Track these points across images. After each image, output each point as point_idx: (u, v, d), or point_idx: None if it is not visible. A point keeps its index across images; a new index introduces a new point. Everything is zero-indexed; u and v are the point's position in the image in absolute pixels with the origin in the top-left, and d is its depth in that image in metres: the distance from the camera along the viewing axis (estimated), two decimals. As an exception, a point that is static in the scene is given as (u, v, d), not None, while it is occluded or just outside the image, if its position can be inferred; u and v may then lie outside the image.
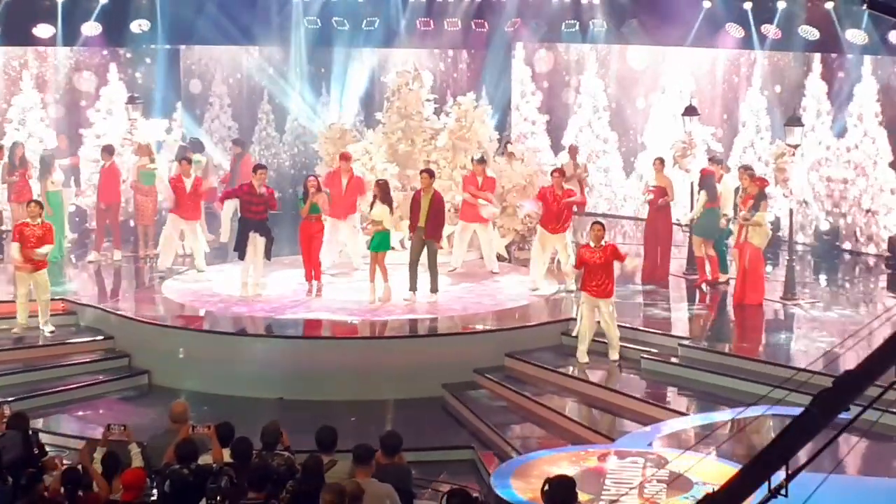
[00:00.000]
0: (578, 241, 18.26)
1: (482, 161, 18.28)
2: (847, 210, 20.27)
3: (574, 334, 14.97)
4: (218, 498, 8.48)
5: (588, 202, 20.84)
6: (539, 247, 17.28)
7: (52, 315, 16.16)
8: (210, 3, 22.36)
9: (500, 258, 18.70)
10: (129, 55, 22.79)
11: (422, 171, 17.13)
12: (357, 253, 18.22)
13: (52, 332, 15.98)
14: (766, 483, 5.45)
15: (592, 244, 14.59)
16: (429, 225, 16.44)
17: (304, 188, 16.90)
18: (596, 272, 14.48)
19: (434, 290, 16.64)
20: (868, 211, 19.96)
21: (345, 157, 18.13)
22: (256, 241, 16.58)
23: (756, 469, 5.52)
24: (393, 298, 16.61)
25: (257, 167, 17.07)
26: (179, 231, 18.50)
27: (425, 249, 16.59)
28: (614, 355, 14.82)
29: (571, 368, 14.84)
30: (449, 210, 18.09)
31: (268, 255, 16.75)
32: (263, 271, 17.04)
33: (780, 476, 5.54)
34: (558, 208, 16.97)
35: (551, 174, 17.56)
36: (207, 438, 9.67)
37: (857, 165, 20.05)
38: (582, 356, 14.77)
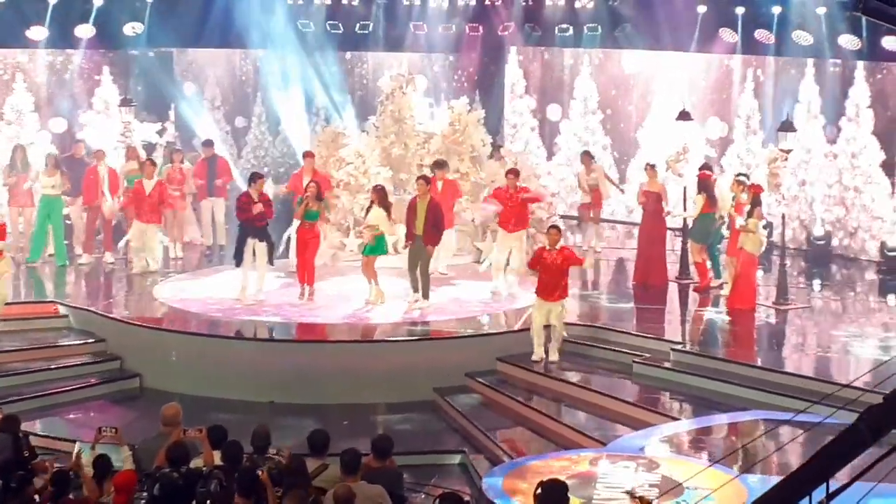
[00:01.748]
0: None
1: (441, 165, 18.22)
2: (842, 215, 20.29)
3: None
4: (208, 502, 8.46)
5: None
6: (499, 247, 17.37)
7: (44, 318, 16.12)
8: (203, 6, 22.32)
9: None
10: (121, 58, 22.77)
11: (418, 178, 17.13)
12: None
13: None
14: (808, 499, 5.29)
15: (548, 247, 14.67)
16: (427, 232, 16.42)
17: (304, 193, 16.90)
18: (552, 275, 14.55)
19: (426, 296, 16.63)
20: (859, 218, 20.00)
21: (309, 155, 18.31)
22: (257, 248, 16.56)
23: (795, 484, 5.36)
24: (384, 301, 16.62)
25: (255, 176, 16.98)
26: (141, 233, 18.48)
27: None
28: (554, 356, 14.93)
29: (564, 373, 14.85)
30: None
31: (270, 260, 16.72)
32: (250, 276, 16.97)
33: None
34: (516, 207, 17.02)
35: (506, 174, 17.55)
36: (199, 442, 9.65)
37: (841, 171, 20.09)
38: (538, 353, 14.95)
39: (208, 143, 21.22)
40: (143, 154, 20.22)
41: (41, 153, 20.32)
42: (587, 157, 20.80)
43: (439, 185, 17.79)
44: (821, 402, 9.81)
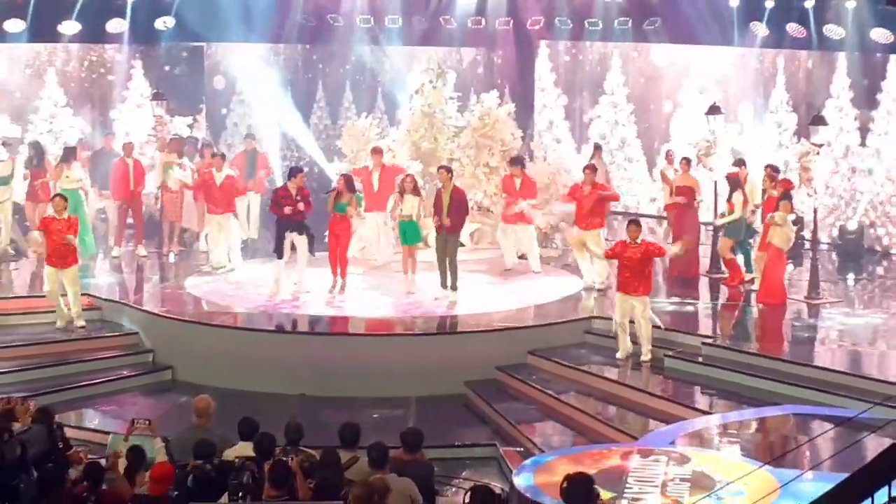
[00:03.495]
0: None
1: (517, 162, 18.21)
2: (874, 210, 20.19)
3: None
4: (240, 494, 8.51)
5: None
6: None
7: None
8: (233, 1, 22.39)
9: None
10: (153, 52, 22.89)
11: (439, 168, 17.19)
12: (383, 250, 18.28)
13: (82, 326, 16.07)
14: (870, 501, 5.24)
15: (629, 241, 14.62)
16: (450, 220, 16.46)
17: (334, 186, 16.95)
18: (634, 269, 14.47)
19: (454, 287, 16.66)
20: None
21: (376, 151, 18.15)
22: (297, 241, 16.64)
23: (857, 486, 5.32)
24: (419, 294, 16.69)
25: (294, 170, 17.06)
26: (216, 225, 18.49)
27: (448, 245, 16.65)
28: (647, 355, 14.81)
29: (594, 366, 14.84)
30: (472, 207, 18.10)
31: (311, 251, 16.80)
32: (287, 270, 17.06)
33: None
34: (591, 204, 17.00)
35: (583, 170, 17.65)
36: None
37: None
38: (624, 350, 14.90)
39: (250, 136, 21.35)
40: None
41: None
42: (596, 149, 20.93)
43: (517, 181, 17.84)
44: (883, 404, 9.74)
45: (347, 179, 17.01)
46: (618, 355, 14.87)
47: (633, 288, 14.50)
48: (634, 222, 14.89)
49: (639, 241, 14.59)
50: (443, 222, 16.46)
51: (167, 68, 23.06)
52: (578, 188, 17.28)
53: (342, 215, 16.85)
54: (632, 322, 14.75)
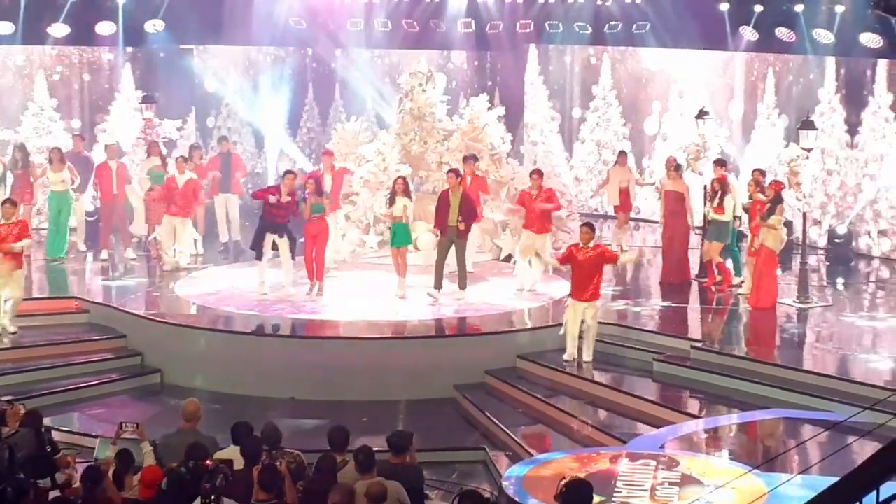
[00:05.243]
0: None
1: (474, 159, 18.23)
2: (861, 213, 20.25)
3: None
4: (212, 497, 8.40)
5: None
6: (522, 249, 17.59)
7: (65, 313, 16.20)
8: (223, 4, 22.37)
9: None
10: (142, 55, 22.86)
11: (449, 171, 17.17)
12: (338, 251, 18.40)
13: (14, 332, 15.80)
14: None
15: (581, 244, 14.63)
16: (462, 222, 16.48)
17: (303, 189, 16.91)
18: (585, 273, 14.54)
19: (463, 287, 16.72)
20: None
21: (327, 154, 18.50)
22: (279, 243, 16.64)
23: (845, 490, 5.31)
24: (410, 297, 16.72)
25: (285, 172, 17.09)
26: (173, 229, 18.52)
27: (452, 248, 16.67)
28: (588, 356, 14.90)
29: (583, 370, 14.85)
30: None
31: (293, 254, 16.80)
32: (269, 271, 17.03)
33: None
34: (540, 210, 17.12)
35: (530, 175, 17.67)
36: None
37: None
38: (571, 353, 14.95)
39: (223, 139, 21.33)
40: (164, 150, 20.23)
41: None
42: (622, 156, 20.83)
43: (468, 179, 17.81)
44: (871, 408, 9.77)
45: (316, 181, 17.03)
46: (564, 357, 14.90)
47: (582, 293, 14.53)
48: (588, 225, 14.91)
49: (591, 244, 14.60)
50: (456, 225, 16.45)
51: (156, 71, 23.02)
52: (527, 194, 17.28)
53: (319, 216, 16.82)
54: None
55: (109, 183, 19.34)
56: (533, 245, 16.90)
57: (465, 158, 18.22)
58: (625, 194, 20.25)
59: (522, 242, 17.35)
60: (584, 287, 14.56)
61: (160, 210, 19.20)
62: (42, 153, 20.59)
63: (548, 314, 16.52)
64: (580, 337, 14.82)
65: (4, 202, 15.98)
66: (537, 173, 17.54)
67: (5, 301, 15.70)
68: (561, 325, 14.97)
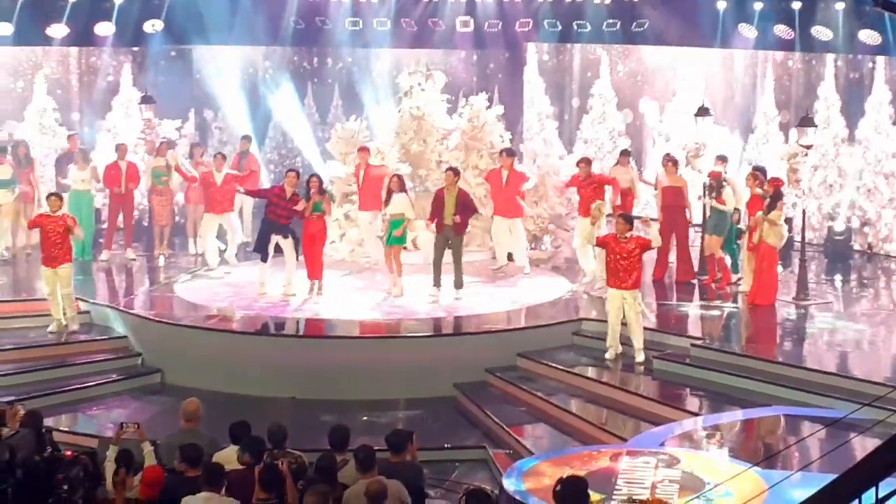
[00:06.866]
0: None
1: (511, 153, 18.29)
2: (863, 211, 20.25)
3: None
4: (65, 487, 8.19)
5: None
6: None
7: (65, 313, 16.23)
8: (222, 4, 22.36)
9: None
10: (142, 55, 22.86)
11: (447, 170, 17.20)
12: (371, 249, 18.30)
13: (74, 331, 16.02)
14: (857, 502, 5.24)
15: (618, 235, 14.64)
16: (457, 221, 16.49)
17: (307, 188, 16.88)
18: (625, 263, 14.50)
19: (459, 285, 16.73)
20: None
21: (362, 150, 18.26)
22: (283, 244, 16.65)
23: (844, 487, 5.31)
24: (408, 296, 16.72)
25: (289, 172, 17.09)
26: (216, 226, 18.54)
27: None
28: (640, 356, 14.81)
29: (584, 368, 14.86)
30: None
31: (297, 254, 16.81)
32: (272, 271, 17.04)
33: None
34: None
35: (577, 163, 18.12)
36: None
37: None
38: (613, 350, 14.97)
39: (246, 138, 21.36)
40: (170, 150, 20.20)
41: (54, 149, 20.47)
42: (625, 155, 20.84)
43: (504, 174, 17.83)
44: (871, 405, 9.77)
45: (318, 180, 17.02)
46: (606, 356, 14.89)
47: (622, 281, 14.52)
48: (624, 216, 14.97)
49: (627, 235, 14.59)
50: (452, 222, 16.48)
51: (156, 72, 23.02)
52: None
53: (319, 215, 16.82)
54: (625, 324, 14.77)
55: (118, 182, 19.38)
56: (588, 230, 16.79)
57: (501, 152, 18.28)
58: (626, 194, 20.20)
59: (578, 230, 17.48)
60: (625, 275, 14.50)
61: (166, 209, 19.25)
62: (47, 155, 20.63)
63: (547, 312, 16.51)
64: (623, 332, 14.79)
65: (50, 196, 16.24)
66: (585, 161, 17.83)
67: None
68: (562, 323, 14.96)
